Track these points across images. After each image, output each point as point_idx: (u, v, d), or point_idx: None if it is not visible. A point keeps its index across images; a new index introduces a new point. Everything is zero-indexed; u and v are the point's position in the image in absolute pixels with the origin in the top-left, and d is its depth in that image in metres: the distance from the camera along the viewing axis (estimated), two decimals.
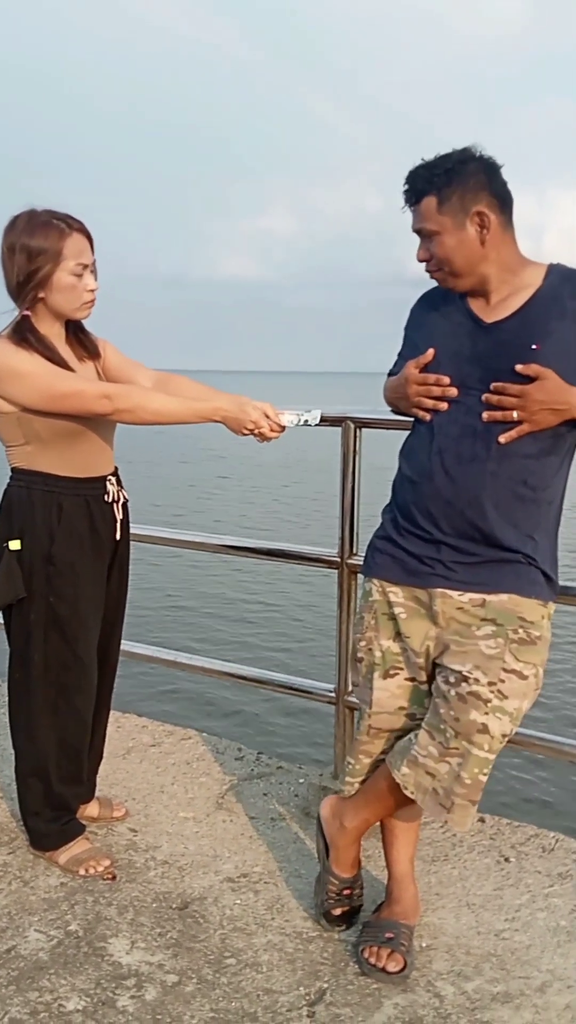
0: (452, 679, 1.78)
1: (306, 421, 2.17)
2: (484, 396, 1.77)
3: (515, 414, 1.73)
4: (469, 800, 1.79)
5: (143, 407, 2.10)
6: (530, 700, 1.81)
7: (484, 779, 1.79)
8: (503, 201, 1.78)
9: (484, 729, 1.75)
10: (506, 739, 1.80)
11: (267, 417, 2.13)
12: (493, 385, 1.75)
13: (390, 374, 2.03)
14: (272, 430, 2.14)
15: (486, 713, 1.74)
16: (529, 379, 1.71)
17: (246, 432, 2.14)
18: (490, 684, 1.75)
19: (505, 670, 1.76)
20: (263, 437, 2.15)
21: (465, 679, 1.75)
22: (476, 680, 1.75)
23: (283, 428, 2.16)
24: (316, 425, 2.19)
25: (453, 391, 1.82)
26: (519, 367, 1.72)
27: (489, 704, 1.74)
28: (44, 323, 2.12)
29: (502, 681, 1.75)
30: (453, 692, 1.77)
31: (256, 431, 2.14)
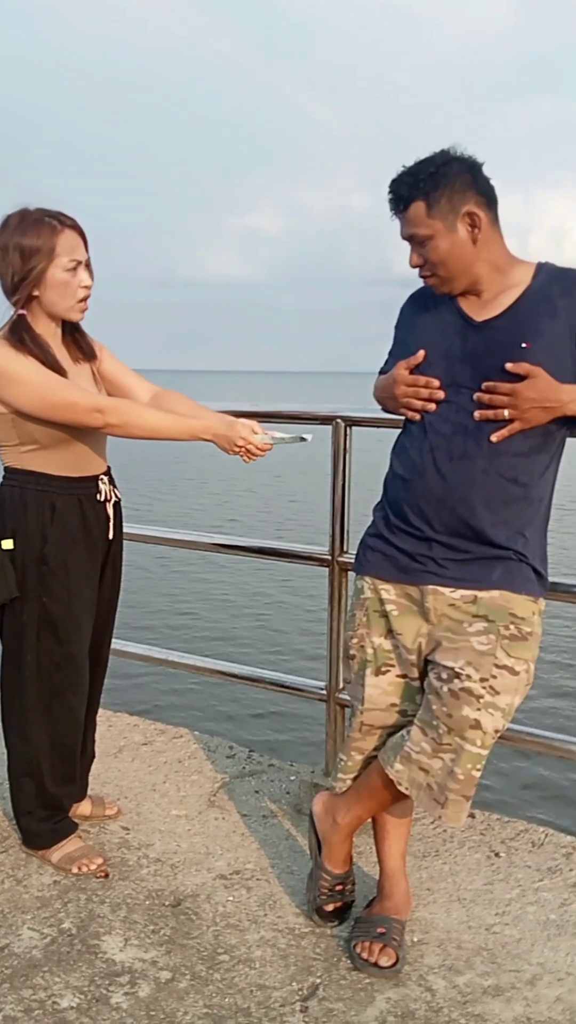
0: (444, 675, 1.79)
1: (296, 438, 2.17)
2: (475, 395, 1.78)
3: (506, 412, 1.74)
4: (463, 795, 1.80)
5: (133, 423, 2.11)
6: (521, 696, 1.82)
7: (477, 775, 1.80)
8: (489, 199, 1.79)
9: (477, 725, 1.76)
10: (498, 734, 1.81)
11: (254, 434, 2.14)
12: (484, 384, 1.76)
13: (381, 373, 2.04)
14: (259, 448, 2.15)
15: (478, 709, 1.75)
16: (520, 377, 1.73)
17: (235, 450, 2.15)
18: (482, 680, 1.76)
19: (497, 666, 1.77)
20: (250, 455, 2.16)
21: (457, 675, 1.77)
22: (468, 676, 1.76)
23: (269, 446, 2.17)
24: (303, 442, 2.19)
25: (440, 394, 1.83)
26: (509, 365, 1.73)
27: (481, 700, 1.75)
28: (40, 323, 2.12)
29: (494, 677, 1.77)
30: (445, 688, 1.78)
31: (243, 449, 2.14)
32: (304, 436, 2.16)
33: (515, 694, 1.80)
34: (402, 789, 1.85)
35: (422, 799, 1.84)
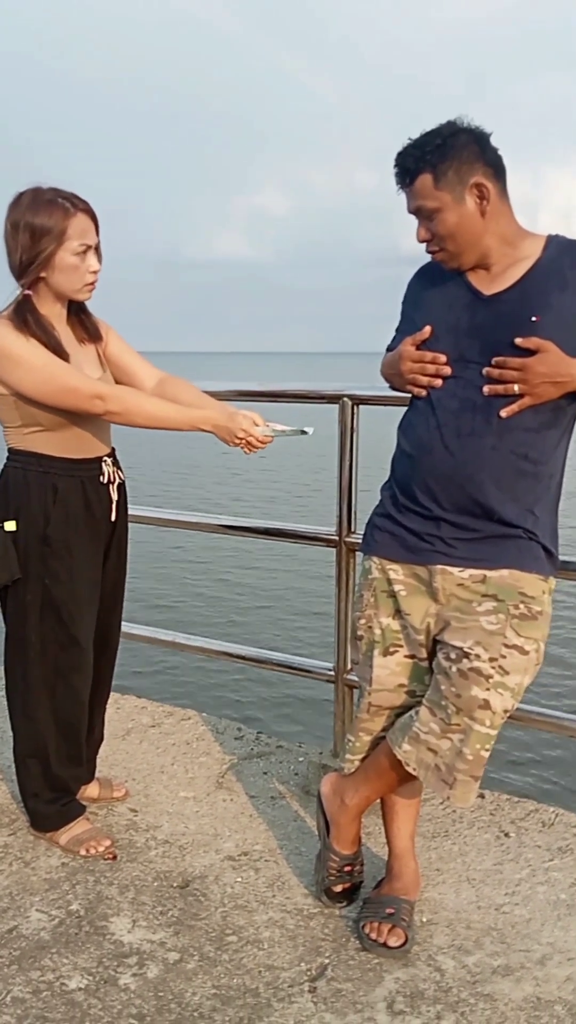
0: (453, 655, 1.77)
1: (297, 431, 2.14)
2: (485, 370, 1.74)
3: (516, 387, 1.71)
4: (471, 776, 1.79)
5: (134, 411, 2.09)
6: (531, 675, 1.80)
7: (486, 755, 1.79)
8: (497, 170, 1.75)
9: (486, 705, 1.74)
10: (507, 714, 1.79)
11: (255, 426, 2.12)
12: (494, 360, 1.73)
13: (388, 350, 2.01)
14: (260, 440, 2.13)
15: (487, 689, 1.74)
16: (529, 352, 1.69)
17: (236, 442, 2.13)
18: (491, 660, 1.74)
19: (506, 645, 1.75)
20: (250, 448, 2.15)
21: (466, 655, 1.75)
22: (477, 656, 1.74)
23: (270, 439, 2.15)
24: (304, 435, 2.16)
25: (447, 369, 1.80)
26: (519, 340, 1.70)
27: (490, 680, 1.74)
28: (45, 303, 2.10)
29: (503, 657, 1.75)
30: (454, 668, 1.76)
31: (244, 441, 2.13)
32: (305, 429, 2.14)
33: (524, 674, 1.78)
34: (410, 770, 1.84)
35: (430, 780, 1.83)
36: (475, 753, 1.77)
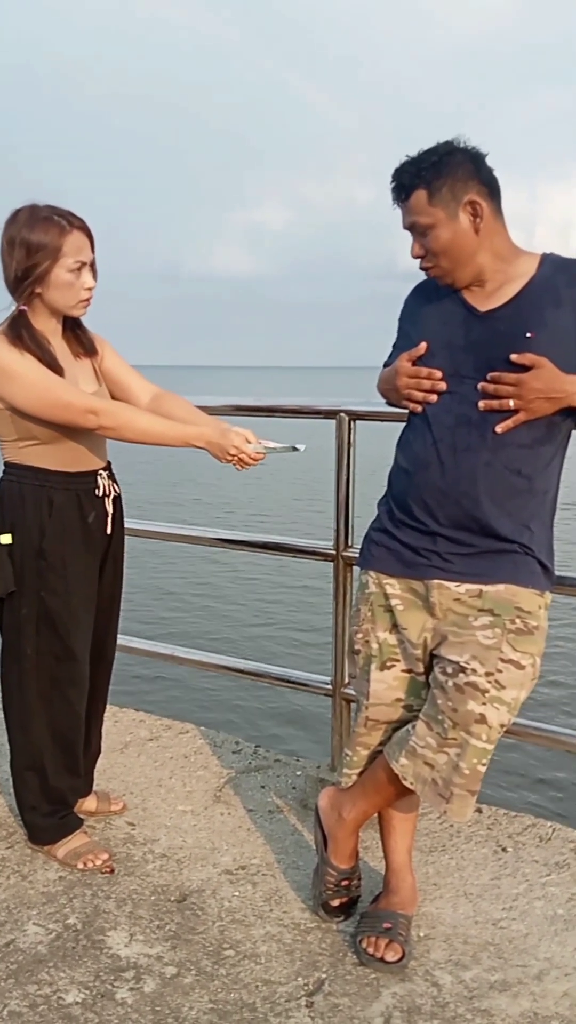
0: (450, 670, 1.78)
1: (289, 448, 2.15)
2: (480, 385, 1.76)
3: (511, 403, 1.72)
4: (468, 790, 1.79)
5: (127, 427, 2.11)
6: (527, 690, 1.81)
7: (483, 769, 1.79)
8: (492, 189, 1.77)
9: (482, 719, 1.75)
10: (504, 729, 1.80)
11: (248, 443, 2.13)
12: (490, 375, 1.75)
13: (385, 365, 2.03)
14: (252, 457, 2.15)
15: (484, 703, 1.74)
16: (524, 368, 1.71)
17: (228, 458, 2.15)
18: (488, 674, 1.75)
19: (503, 660, 1.76)
20: (242, 464, 2.16)
21: (463, 670, 1.75)
22: (474, 671, 1.75)
23: (262, 456, 2.16)
24: (296, 452, 2.17)
25: (442, 384, 1.82)
26: (514, 356, 1.72)
27: (487, 694, 1.74)
28: (40, 319, 2.12)
29: (500, 671, 1.75)
30: (451, 683, 1.77)
31: (236, 458, 2.14)
32: (297, 446, 2.15)
33: (521, 688, 1.79)
34: (407, 784, 1.84)
35: (427, 794, 1.83)
36: (472, 767, 1.78)
